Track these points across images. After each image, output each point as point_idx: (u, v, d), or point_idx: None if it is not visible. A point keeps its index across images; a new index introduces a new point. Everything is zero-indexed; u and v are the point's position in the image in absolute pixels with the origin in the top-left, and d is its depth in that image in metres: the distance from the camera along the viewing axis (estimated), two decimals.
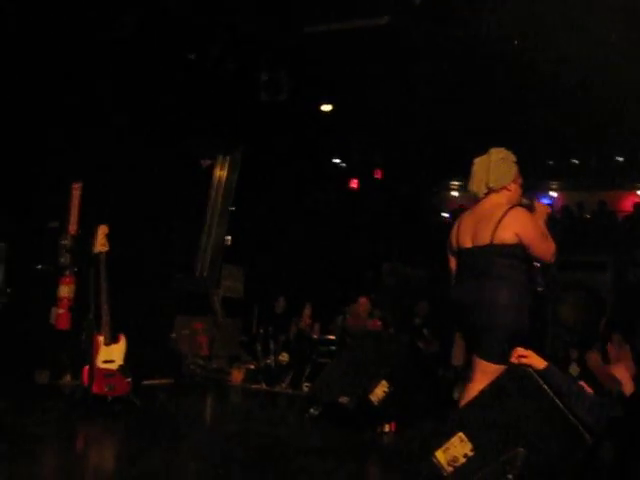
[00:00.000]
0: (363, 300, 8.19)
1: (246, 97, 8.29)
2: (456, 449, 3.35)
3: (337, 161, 12.02)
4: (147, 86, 7.29)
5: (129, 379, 5.60)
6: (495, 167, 3.95)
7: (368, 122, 10.25)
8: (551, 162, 12.15)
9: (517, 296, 3.66)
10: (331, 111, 9.52)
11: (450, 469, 3.34)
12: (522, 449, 2.38)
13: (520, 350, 3.39)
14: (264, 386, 7.33)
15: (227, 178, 9.80)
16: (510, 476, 1.95)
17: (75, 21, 6.49)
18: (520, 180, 4.00)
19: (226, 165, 9.79)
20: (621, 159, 11.75)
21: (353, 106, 9.68)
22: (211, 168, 9.87)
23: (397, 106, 9.54)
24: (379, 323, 8.22)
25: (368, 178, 12.27)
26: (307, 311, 8.80)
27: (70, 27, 6.50)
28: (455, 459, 3.34)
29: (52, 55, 6.48)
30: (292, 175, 10.60)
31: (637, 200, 13.04)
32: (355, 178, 12.29)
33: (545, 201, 14.38)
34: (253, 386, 7.38)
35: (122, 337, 5.69)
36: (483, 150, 4.68)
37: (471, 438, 3.32)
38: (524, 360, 3.29)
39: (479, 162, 4.04)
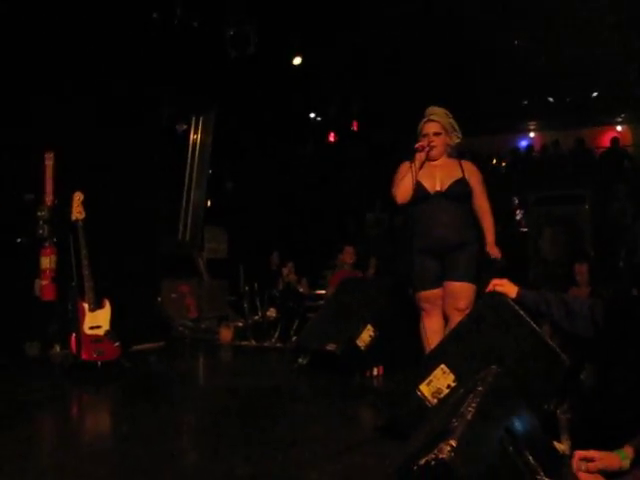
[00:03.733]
0: (349, 249, 8.20)
1: (215, 55, 8.19)
2: (439, 381, 3.41)
3: (313, 115, 11.94)
4: (115, 51, 7.18)
5: (117, 343, 5.63)
6: None
7: (341, 73, 10.17)
8: (526, 102, 12.10)
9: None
10: (303, 64, 9.43)
11: (434, 401, 3.41)
12: (495, 366, 2.43)
13: (496, 280, 3.44)
14: (253, 342, 7.38)
15: (202, 140, 9.74)
16: (480, 388, 2.00)
17: None
18: (423, 131, 4.65)
19: (200, 127, 9.72)
20: (596, 94, 11.72)
21: (325, 57, 9.59)
22: (187, 132, 9.81)
23: (371, 54, 9.46)
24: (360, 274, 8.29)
25: (345, 130, 12.23)
26: (289, 267, 8.85)
27: None
28: (439, 391, 3.41)
29: (16, 24, 6.35)
30: (269, 132, 10.55)
31: (614, 135, 13.11)
32: (332, 131, 12.24)
33: (524, 142, 14.48)
34: (242, 343, 7.44)
35: (107, 302, 5.71)
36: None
37: (453, 369, 3.39)
38: (499, 288, 3.33)
39: None
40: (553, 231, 8.64)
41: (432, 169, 4.58)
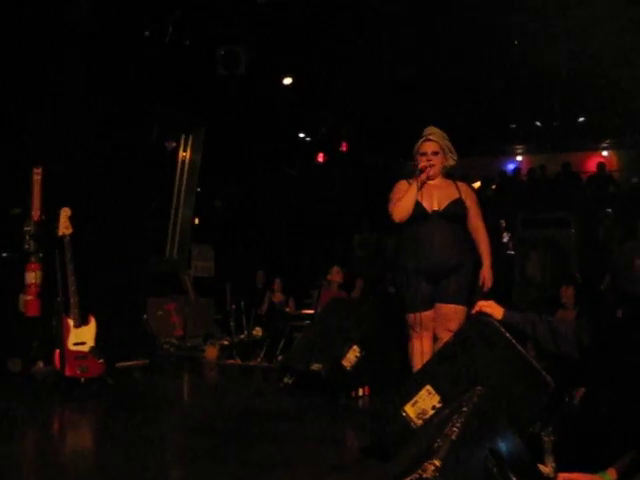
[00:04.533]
0: (337, 269, 8.22)
1: (205, 74, 8.22)
2: (424, 402, 3.40)
3: (302, 136, 11.99)
4: (105, 68, 7.19)
5: (102, 360, 5.59)
6: None
7: (331, 94, 10.24)
8: (514, 125, 12.23)
9: None
10: (293, 85, 9.48)
11: (419, 422, 3.40)
12: (480, 387, 2.43)
13: (482, 302, 3.45)
14: (239, 361, 7.35)
15: (191, 159, 9.76)
16: (465, 409, 2.00)
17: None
18: (421, 150, 4.63)
19: (189, 145, 9.74)
20: (583, 119, 11.86)
21: (315, 79, 9.66)
22: (176, 149, 9.82)
23: (360, 76, 9.53)
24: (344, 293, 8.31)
25: (334, 151, 12.27)
26: (276, 286, 8.84)
27: (22, 7, 6.37)
28: (424, 412, 3.40)
29: (6, 38, 6.35)
30: (258, 152, 10.58)
31: (600, 160, 13.24)
32: (321, 152, 12.28)
33: (512, 165, 14.60)
34: (228, 361, 7.41)
35: (92, 318, 5.68)
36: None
37: (438, 390, 3.38)
38: (485, 309, 3.34)
39: None
40: (539, 254, 8.71)
41: (430, 189, 4.57)
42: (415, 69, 9.35)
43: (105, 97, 7.21)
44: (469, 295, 4.52)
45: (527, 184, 12.90)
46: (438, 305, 4.51)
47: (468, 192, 4.72)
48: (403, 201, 4.50)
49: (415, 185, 4.50)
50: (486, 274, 4.60)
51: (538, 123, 11.99)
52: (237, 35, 7.81)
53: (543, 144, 13.40)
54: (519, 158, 14.93)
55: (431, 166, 4.56)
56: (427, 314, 4.52)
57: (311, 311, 8.52)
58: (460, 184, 4.75)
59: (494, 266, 4.73)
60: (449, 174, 4.85)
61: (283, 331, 7.83)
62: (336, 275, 8.26)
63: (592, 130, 12.34)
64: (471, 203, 4.66)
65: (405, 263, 4.52)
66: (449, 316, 4.45)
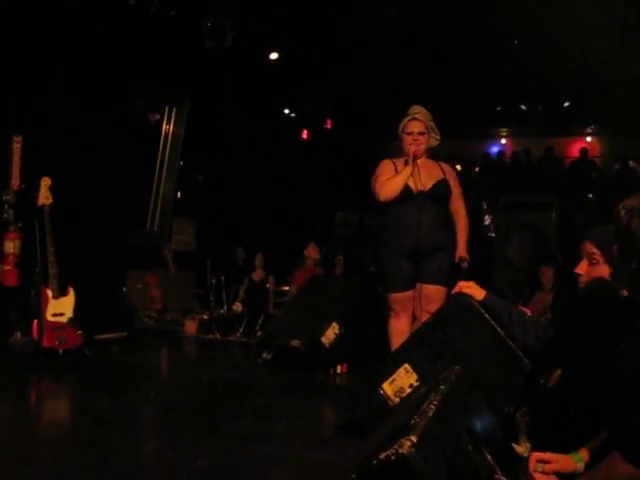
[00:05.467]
0: (313, 244, 8.23)
1: (191, 46, 8.12)
2: (402, 380, 3.43)
3: (287, 111, 11.92)
4: (88, 36, 7.08)
5: (80, 331, 5.58)
6: None
7: (317, 71, 10.17)
8: (499, 108, 12.24)
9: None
10: (280, 60, 9.40)
11: (397, 400, 3.43)
12: (458, 367, 2.45)
13: (462, 283, 3.47)
14: (218, 336, 7.36)
15: (174, 131, 9.67)
16: (442, 387, 2.02)
17: None
18: (407, 129, 4.59)
19: (173, 118, 9.65)
20: (568, 104, 11.90)
21: (302, 54, 9.58)
22: (159, 122, 9.73)
23: (347, 54, 9.47)
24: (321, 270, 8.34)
25: (319, 128, 12.22)
26: (258, 262, 8.82)
27: None
28: (402, 390, 3.42)
29: None
30: (242, 127, 10.51)
31: (584, 145, 13.32)
32: (305, 129, 12.23)
33: (495, 148, 14.63)
34: (207, 336, 7.41)
35: (71, 289, 5.65)
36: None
37: (416, 369, 3.40)
38: (466, 290, 3.36)
39: None
40: (520, 237, 8.75)
41: (415, 169, 4.53)
42: (400, 50, 9.30)
43: (89, 67, 7.12)
44: (450, 276, 4.54)
45: (510, 167, 12.95)
46: (420, 285, 4.50)
47: (452, 173, 4.72)
48: (393, 182, 4.47)
49: (409, 168, 4.46)
50: (462, 254, 4.62)
51: (523, 107, 12.01)
52: (224, 7, 7.71)
53: (527, 128, 13.44)
54: (503, 141, 14.97)
55: (418, 146, 4.55)
56: (407, 294, 4.52)
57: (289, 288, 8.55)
58: (443, 165, 4.74)
59: (474, 248, 4.76)
60: (433, 155, 4.84)
61: (262, 307, 7.85)
62: (312, 251, 8.27)
63: (576, 116, 12.39)
64: (454, 184, 4.66)
65: (388, 242, 4.51)
66: (431, 297, 4.44)
